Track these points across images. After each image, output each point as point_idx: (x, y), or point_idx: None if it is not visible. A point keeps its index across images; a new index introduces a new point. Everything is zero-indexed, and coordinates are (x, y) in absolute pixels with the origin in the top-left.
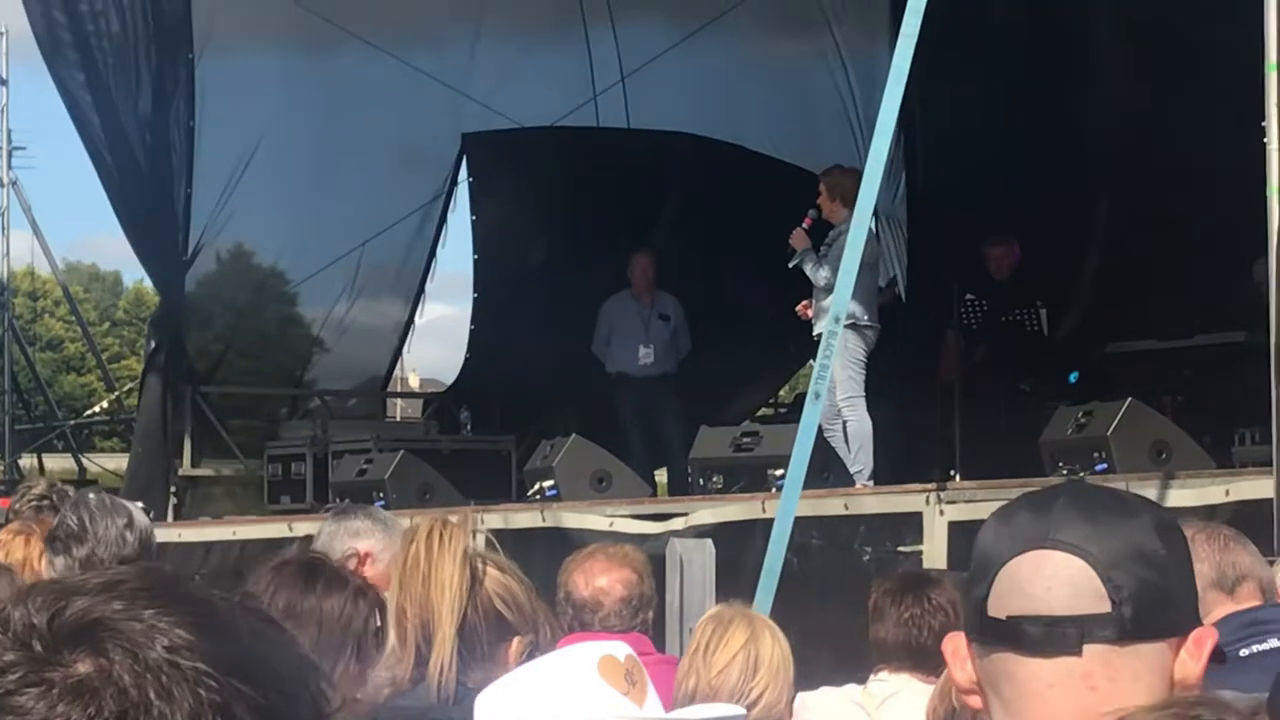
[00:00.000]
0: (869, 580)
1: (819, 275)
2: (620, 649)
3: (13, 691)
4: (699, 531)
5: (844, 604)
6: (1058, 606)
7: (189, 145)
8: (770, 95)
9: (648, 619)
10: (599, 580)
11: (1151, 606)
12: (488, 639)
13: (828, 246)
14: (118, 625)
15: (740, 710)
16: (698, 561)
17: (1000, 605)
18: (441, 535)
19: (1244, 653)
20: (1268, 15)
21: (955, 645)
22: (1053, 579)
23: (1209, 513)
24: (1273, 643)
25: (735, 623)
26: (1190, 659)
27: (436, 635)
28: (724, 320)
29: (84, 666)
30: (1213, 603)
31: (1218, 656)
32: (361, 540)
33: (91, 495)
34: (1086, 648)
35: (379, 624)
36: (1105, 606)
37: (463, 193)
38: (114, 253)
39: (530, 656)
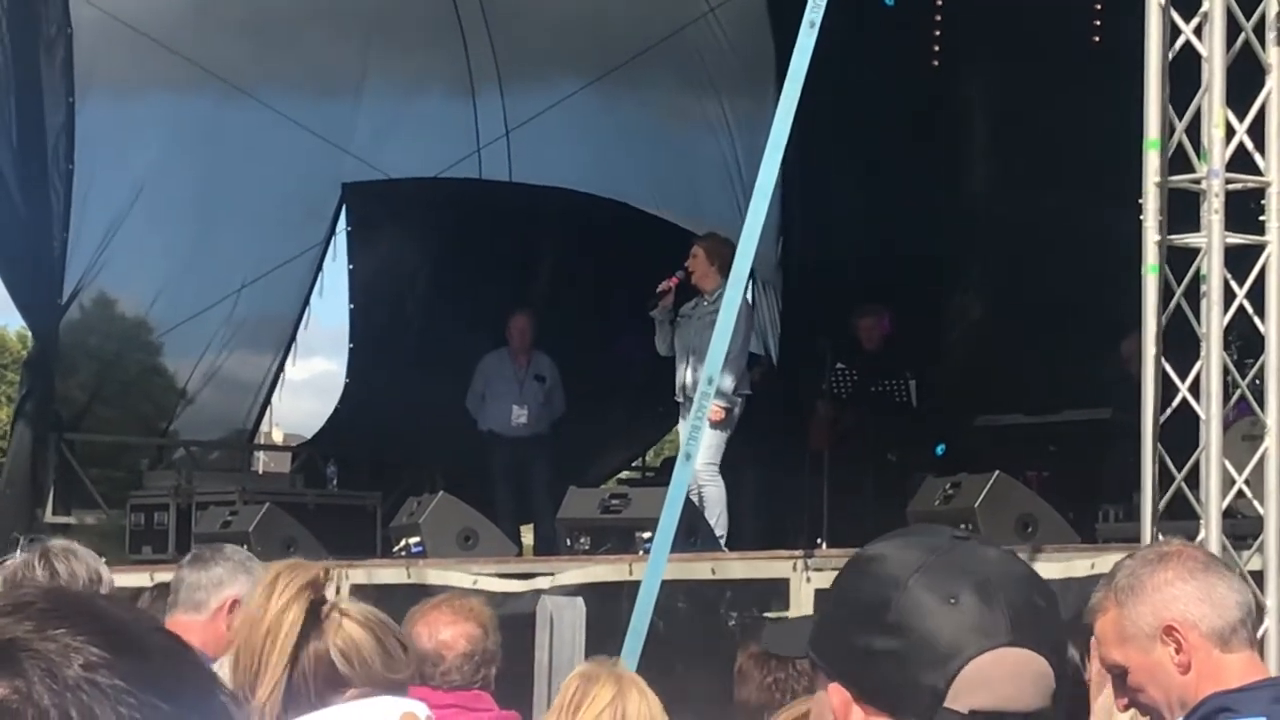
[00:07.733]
0: (733, 645)
1: (662, 344)
2: (421, 709)
3: None
4: (566, 591)
5: (707, 668)
6: (1024, 704)
7: (67, 189)
8: (655, 154)
9: (490, 675)
10: (442, 633)
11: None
12: (315, 689)
13: (684, 318)
14: (32, 645)
15: None
16: (568, 619)
17: (964, 699)
18: (280, 582)
19: None
20: (1149, 92)
21: (845, 698)
22: (1021, 678)
23: (1073, 585)
24: None
25: (602, 680)
26: None
27: (262, 681)
28: (595, 379)
29: (1, 689)
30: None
31: None
32: (226, 588)
33: (53, 545)
34: None
35: None
36: (1049, 702)
37: (342, 243)
38: None
39: None
